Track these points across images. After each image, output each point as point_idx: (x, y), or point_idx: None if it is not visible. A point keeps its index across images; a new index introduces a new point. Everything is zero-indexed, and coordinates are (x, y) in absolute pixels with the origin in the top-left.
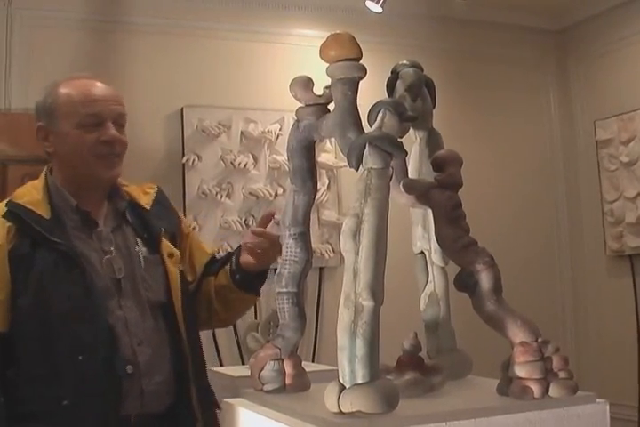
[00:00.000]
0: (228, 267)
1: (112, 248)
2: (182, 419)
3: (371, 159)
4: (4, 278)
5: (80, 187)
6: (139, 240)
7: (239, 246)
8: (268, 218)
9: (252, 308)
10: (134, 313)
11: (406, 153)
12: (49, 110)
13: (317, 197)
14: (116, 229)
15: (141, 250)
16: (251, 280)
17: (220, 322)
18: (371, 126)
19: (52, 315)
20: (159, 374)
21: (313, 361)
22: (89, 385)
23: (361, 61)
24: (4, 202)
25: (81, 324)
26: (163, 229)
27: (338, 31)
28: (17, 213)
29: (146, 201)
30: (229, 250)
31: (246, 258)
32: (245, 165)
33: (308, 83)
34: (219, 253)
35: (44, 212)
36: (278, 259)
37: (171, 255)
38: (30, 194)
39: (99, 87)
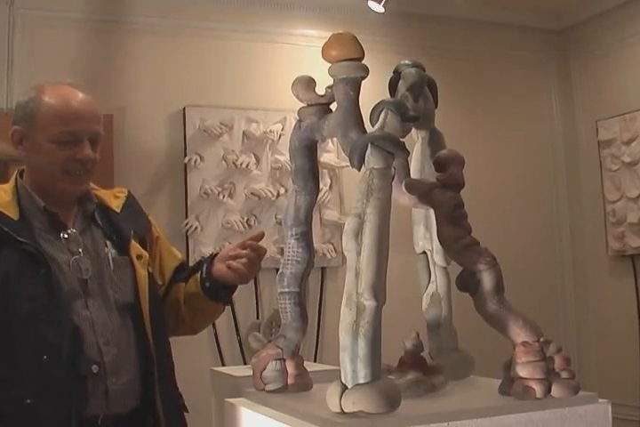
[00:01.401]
0: (198, 274)
1: (80, 249)
2: (145, 420)
3: (373, 159)
4: None
5: (48, 191)
6: (108, 242)
7: (211, 254)
8: (258, 238)
9: (254, 307)
10: (101, 313)
11: (408, 153)
12: (28, 116)
13: (319, 196)
14: (84, 232)
15: (110, 251)
16: (220, 290)
17: (187, 329)
18: (373, 126)
19: (15, 315)
20: (125, 375)
21: (315, 361)
22: (53, 385)
23: (363, 61)
24: None
25: (45, 324)
26: (132, 232)
27: (340, 31)
28: None
29: (116, 204)
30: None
31: (224, 272)
32: (247, 165)
33: (309, 83)
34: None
35: (12, 213)
36: (280, 259)
37: (139, 257)
38: None
39: (81, 102)
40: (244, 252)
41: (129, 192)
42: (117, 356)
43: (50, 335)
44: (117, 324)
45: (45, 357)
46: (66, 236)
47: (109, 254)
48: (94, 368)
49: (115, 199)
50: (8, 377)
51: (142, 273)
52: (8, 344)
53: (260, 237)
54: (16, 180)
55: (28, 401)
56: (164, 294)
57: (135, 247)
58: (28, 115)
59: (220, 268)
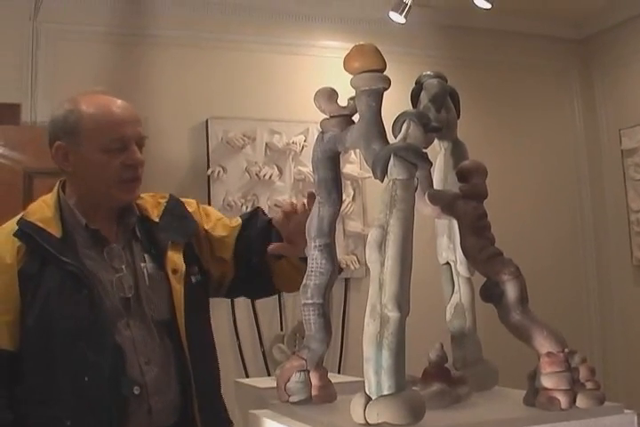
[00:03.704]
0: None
1: (123, 266)
2: None
3: (395, 170)
4: (13, 299)
5: (93, 206)
6: (146, 256)
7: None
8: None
9: (278, 319)
10: (141, 332)
11: (431, 164)
12: (71, 130)
13: (342, 208)
14: (126, 246)
15: (147, 266)
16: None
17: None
18: (395, 137)
19: (56, 335)
20: (168, 393)
21: (339, 372)
22: (93, 406)
23: (385, 72)
24: (16, 219)
25: (87, 344)
26: (170, 242)
27: (361, 42)
28: (28, 233)
29: (156, 213)
30: None
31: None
32: (270, 177)
33: (332, 94)
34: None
35: (54, 230)
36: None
37: (175, 271)
38: (42, 211)
39: (121, 108)
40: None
41: (170, 197)
42: (159, 375)
43: (92, 356)
44: (157, 342)
45: (87, 378)
46: (108, 251)
47: (145, 270)
48: (136, 389)
49: (156, 208)
50: (48, 398)
51: (178, 288)
52: (49, 365)
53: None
54: (58, 193)
55: (68, 423)
56: (242, 270)
57: (171, 261)
58: (69, 128)
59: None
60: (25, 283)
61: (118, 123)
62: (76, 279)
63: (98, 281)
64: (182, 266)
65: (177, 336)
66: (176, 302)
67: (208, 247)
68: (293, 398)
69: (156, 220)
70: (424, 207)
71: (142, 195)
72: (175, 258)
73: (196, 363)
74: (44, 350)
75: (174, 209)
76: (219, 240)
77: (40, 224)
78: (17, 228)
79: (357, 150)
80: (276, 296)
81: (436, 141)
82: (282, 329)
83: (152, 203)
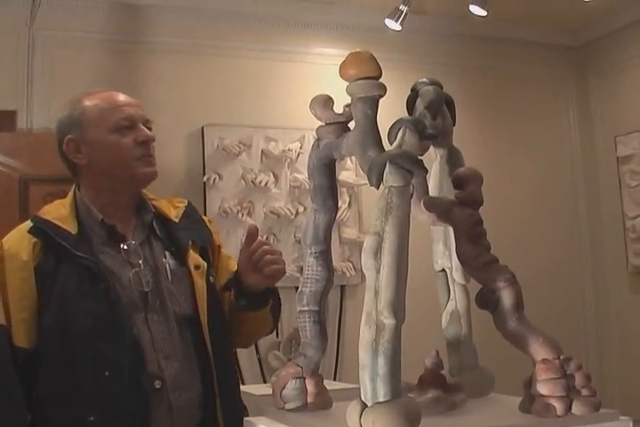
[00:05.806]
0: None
1: (140, 261)
2: None
3: (391, 177)
4: (29, 295)
5: (111, 200)
6: (166, 253)
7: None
8: (253, 233)
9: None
10: (161, 327)
11: (427, 171)
12: (78, 122)
13: (338, 215)
14: (144, 243)
15: (168, 262)
16: (258, 298)
17: (240, 342)
18: (391, 144)
19: (74, 331)
20: (190, 390)
21: (334, 379)
22: (115, 402)
23: (381, 79)
24: (31, 218)
25: (105, 340)
26: (190, 242)
27: (357, 49)
28: (42, 229)
29: (175, 214)
30: None
31: (254, 278)
32: (266, 184)
33: (327, 101)
34: None
35: (70, 227)
36: (300, 277)
37: (197, 267)
38: (57, 210)
39: (122, 95)
40: (270, 257)
41: (189, 202)
42: (179, 371)
43: (110, 351)
44: (177, 338)
45: (107, 373)
46: (125, 247)
47: (167, 266)
48: (157, 383)
49: (174, 209)
50: (68, 395)
51: (200, 283)
52: (68, 361)
53: (255, 231)
54: (74, 193)
55: (92, 419)
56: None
57: (193, 257)
58: (76, 121)
59: (251, 277)
60: (42, 280)
61: (121, 105)
62: (92, 274)
63: (114, 276)
64: (204, 263)
65: (199, 331)
66: (198, 298)
67: (218, 259)
68: (289, 406)
69: (176, 220)
70: (420, 214)
71: (155, 198)
72: (195, 256)
73: (217, 359)
74: (62, 346)
75: (193, 214)
76: (227, 258)
77: (55, 221)
78: (31, 224)
79: (353, 157)
80: None
81: (431, 148)
82: (277, 336)
83: (168, 205)
